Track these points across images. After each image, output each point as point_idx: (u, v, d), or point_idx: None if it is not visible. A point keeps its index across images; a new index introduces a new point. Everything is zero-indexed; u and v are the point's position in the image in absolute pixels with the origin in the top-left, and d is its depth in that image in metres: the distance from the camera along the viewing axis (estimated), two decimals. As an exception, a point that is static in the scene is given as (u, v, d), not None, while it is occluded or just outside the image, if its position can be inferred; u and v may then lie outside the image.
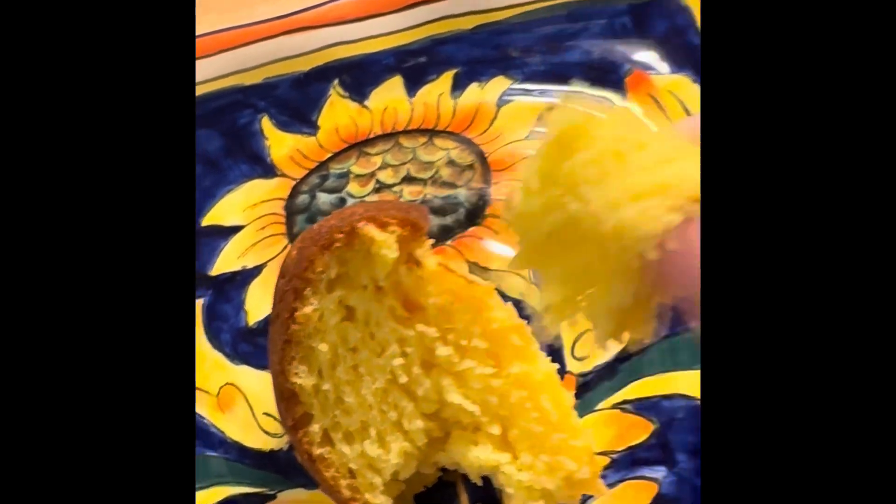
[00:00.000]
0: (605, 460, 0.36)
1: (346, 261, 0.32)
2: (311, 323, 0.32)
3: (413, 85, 0.47)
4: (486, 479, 0.34)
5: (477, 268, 0.42)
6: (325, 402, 0.33)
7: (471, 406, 0.32)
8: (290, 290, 0.32)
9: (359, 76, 0.47)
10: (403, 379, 0.33)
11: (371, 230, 0.31)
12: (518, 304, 0.40)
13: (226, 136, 0.47)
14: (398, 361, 0.33)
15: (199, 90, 0.47)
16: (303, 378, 0.32)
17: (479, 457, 0.33)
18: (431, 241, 0.33)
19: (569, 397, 0.33)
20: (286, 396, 0.33)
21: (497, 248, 0.42)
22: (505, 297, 0.39)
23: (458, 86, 0.47)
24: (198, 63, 0.47)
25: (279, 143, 0.47)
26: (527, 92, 0.46)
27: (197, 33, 0.47)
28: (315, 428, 0.33)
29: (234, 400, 0.41)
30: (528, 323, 0.33)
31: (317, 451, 0.33)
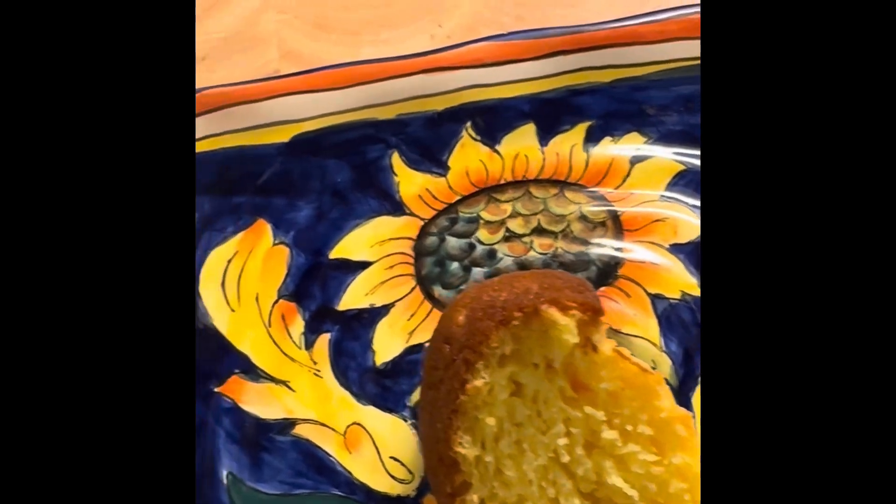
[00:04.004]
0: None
1: (521, 338, 0.33)
2: (480, 396, 0.32)
3: (546, 133, 0.47)
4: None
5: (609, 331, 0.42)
6: (484, 473, 0.33)
7: (630, 490, 0.33)
8: (461, 360, 0.32)
9: (492, 120, 0.47)
10: (566, 458, 0.33)
11: (554, 314, 0.32)
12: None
13: (355, 168, 0.47)
14: (563, 441, 0.33)
15: (331, 121, 0.47)
16: (466, 448, 0.33)
17: (633, 539, 0.33)
18: (608, 325, 0.33)
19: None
20: (447, 464, 0.33)
21: (629, 310, 0.43)
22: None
23: (592, 138, 0.47)
24: (332, 94, 0.47)
25: (408, 180, 0.47)
26: (661, 151, 0.46)
27: (330, 64, 0.47)
28: (474, 498, 0.33)
29: (361, 441, 0.41)
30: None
31: (473, 520, 0.33)
